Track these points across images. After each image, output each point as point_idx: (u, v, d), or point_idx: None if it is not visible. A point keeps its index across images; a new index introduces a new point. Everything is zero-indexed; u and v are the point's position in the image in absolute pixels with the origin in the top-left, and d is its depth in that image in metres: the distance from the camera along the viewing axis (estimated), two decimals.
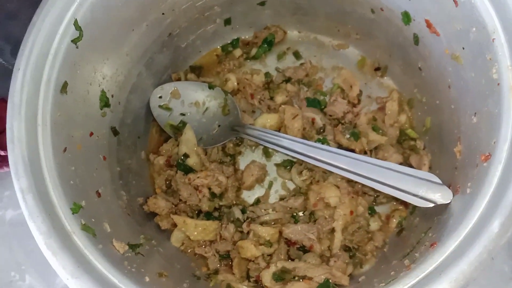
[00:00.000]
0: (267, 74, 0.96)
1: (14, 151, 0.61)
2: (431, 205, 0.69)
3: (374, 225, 0.84)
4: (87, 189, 0.69)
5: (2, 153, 0.89)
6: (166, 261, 0.77)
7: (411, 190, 0.71)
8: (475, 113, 0.66)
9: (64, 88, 0.68)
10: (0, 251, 0.91)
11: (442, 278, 0.53)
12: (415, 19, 0.76)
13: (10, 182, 0.93)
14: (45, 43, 0.66)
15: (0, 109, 0.93)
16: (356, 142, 0.84)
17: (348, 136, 0.85)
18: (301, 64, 0.96)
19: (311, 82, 0.95)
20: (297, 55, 0.97)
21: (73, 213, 0.62)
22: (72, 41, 0.68)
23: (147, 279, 0.63)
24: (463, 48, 0.67)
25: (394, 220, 0.84)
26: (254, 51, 0.98)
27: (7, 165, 0.92)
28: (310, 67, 0.95)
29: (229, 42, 0.99)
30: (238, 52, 0.99)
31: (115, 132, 0.82)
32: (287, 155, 0.89)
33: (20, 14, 0.77)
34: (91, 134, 0.75)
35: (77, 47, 0.69)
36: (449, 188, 0.69)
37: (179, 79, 0.96)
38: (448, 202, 0.67)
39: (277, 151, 0.91)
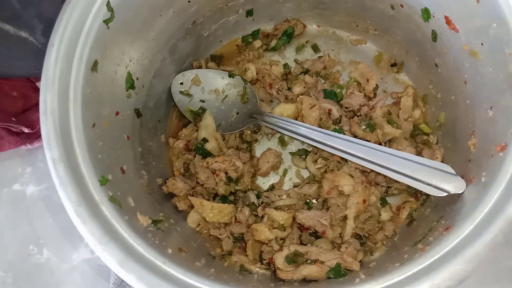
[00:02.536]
0: (285, 66, 0.99)
1: (47, 123, 0.63)
2: (444, 194, 0.71)
3: (385, 215, 0.86)
4: (113, 164, 0.71)
5: (26, 130, 0.91)
6: (183, 239, 0.79)
7: (425, 179, 0.74)
8: (491, 107, 0.68)
9: (95, 66, 0.70)
10: (20, 225, 0.93)
11: (457, 259, 0.55)
12: (434, 16, 0.78)
13: (32, 159, 0.97)
14: (78, 21, 0.68)
15: (26, 88, 0.96)
16: (372, 134, 0.86)
17: (364, 127, 0.87)
18: (319, 57, 0.98)
19: (328, 75, 0.97)
20: (315, 48, 1.00)
21: (101, 185, 0.64)
22: (104, 21, 0.71)
23: (169, 251, 0.65)
24: (482, 44, 0.69)
25: (405, 211, 0.86)
26: (273, 42, 1.00)
27: (30, 142, 0.94)
28: (328, 60, 0.97)
29: (249, 33, 1.02)
30: (258, 43, 1.01)
31: (138, 113, 0.84)
32: (303, 143, 0.91)
33: None
34: (117, 113, 0.77)
35: (108, 28, 0.72)
36: (462, 178, 0.71)
37: (200, 67, 0.98)
38: (461, 192, 0.69)
39: (292, 141, 0.94)
